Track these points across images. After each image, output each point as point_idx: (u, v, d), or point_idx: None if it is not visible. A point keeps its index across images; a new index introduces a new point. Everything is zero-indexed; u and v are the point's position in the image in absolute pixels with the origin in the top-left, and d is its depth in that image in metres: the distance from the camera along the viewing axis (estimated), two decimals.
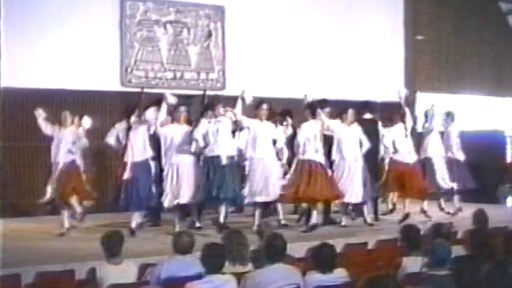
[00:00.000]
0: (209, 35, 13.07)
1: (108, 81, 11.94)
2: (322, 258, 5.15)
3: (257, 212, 9.19)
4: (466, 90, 16.05)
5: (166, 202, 8.99)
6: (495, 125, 14.70)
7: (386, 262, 6.04)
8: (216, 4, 13.12)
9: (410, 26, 15.40)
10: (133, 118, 9.06)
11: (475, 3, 16.55)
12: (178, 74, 12.76)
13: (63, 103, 11.42)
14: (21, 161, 11.31)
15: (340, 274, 5.18)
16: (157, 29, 12.60)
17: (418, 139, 10.86)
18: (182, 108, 9.25)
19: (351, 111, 9.61)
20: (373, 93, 12.71)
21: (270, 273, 4.93)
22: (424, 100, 14.94)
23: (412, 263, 5.33)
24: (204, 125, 9.02)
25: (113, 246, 5.59)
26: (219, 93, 12.74)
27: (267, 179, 9.16)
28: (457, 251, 5.42)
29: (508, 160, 14.44)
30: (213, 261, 4.96)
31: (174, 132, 9.09)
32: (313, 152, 9.17)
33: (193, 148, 8.97)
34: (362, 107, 10.23)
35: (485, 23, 16.69)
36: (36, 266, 6.68)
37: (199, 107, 10.84)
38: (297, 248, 6.75)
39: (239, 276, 4.98)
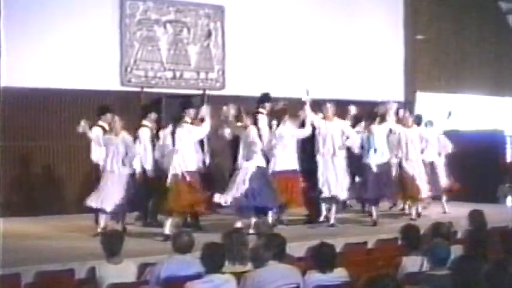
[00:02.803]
0: (209, 34, 13.07)
1: (108, 81, 11.94)
2: (322, 258, 5.15)
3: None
4: (466, 90, 16.05)
5: None
6: (495, 125, 14.68)
7: (386, 262, 6.05)
8: (216, 4, 13.12)
9: (410, 26, 15.39)
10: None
11: (475, 3, 16.56)
12: (177, 74, 12.75)
13: (63, 103, 11.47)
14: (21, 161, 11.31)
15: (340, 274, 5.18)
16: (157, 28, 12.59)
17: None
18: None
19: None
20: (373, 93, 12.73)
21: (269, 273, 4.93)
22: (424, 100, 15.01)
23: (412, 263, 5.33)
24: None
25: (112, 246, 5.60)
26: (219, 93, 12.76)
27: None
28: (457, 251, 5.41)
29: (508, 160, 14.42)
30: (213, 260, 4.96)
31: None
32: None
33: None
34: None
35: (485, 23, 16.69)
36: (36, 265, 6.68)
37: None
38: (297, 248, 6.75)
39: (239, 276, 4.97)
